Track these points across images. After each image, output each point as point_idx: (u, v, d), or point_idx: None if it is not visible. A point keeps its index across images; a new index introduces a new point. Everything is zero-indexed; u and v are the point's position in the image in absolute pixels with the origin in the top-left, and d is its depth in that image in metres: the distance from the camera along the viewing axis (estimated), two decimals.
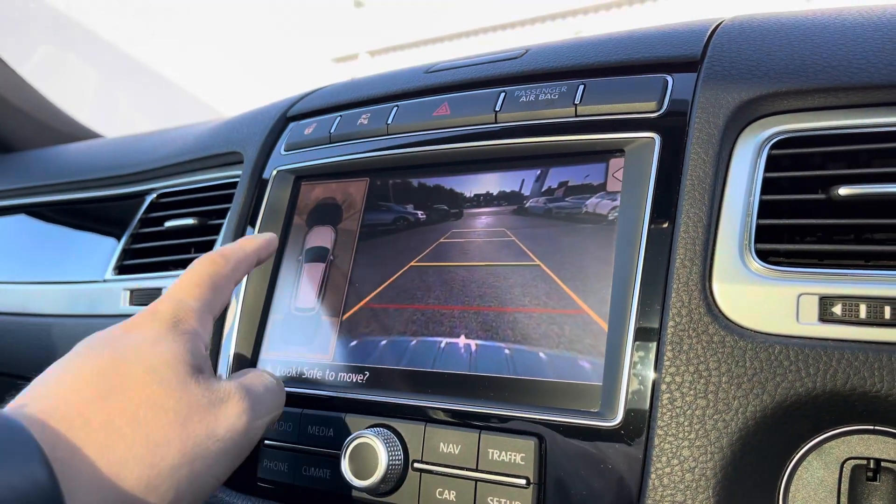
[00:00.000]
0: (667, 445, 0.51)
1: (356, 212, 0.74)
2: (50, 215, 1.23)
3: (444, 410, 0.59)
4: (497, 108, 0.68)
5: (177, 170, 1.00)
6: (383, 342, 0.66)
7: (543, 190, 0.64)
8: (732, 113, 0.58)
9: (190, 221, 0.91)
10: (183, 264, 0.91)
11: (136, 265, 0.97)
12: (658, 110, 0.60)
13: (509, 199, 0.66)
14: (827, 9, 0.66)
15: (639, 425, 0.52)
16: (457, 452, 0.57)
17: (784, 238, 0.57)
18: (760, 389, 0.50)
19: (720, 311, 0.53)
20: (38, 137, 1.53)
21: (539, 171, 0.65)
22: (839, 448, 0.51)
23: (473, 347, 0.61)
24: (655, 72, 0.64)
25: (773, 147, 0.57)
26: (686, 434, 0.51)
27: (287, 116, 0.87)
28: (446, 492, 0.57)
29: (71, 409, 0.45)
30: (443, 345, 0.63)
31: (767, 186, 0.56)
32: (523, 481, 0.54)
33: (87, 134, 1.61)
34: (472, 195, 0.68)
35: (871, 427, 0.50)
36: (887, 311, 0.49)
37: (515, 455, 0.55)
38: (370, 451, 0.58)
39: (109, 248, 1.02)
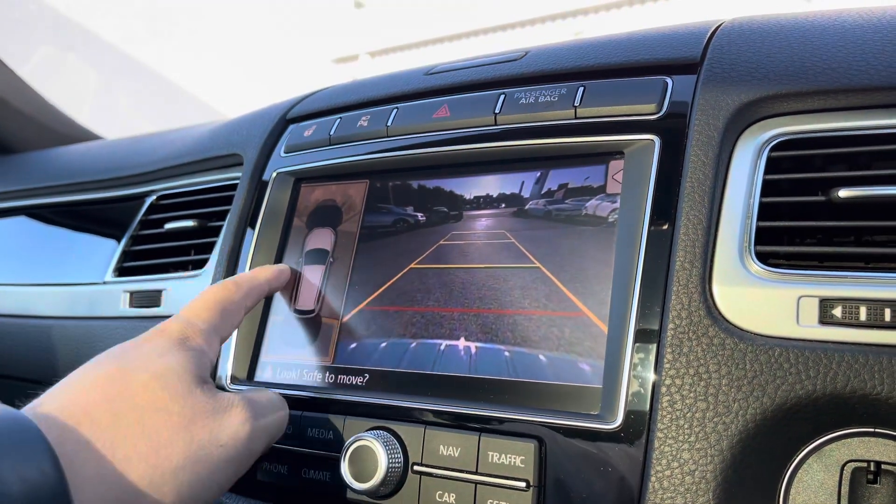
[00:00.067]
0: (667, 448, 0.51)
1: (356, 214, 0.74)
2: (50, 217, 1.23)
3: (443, 413, 0.59)
4: (497, 110, 0.67)
5: (177, 172, 1.00)
6: (383, 344, 0.66)
7: (543, 192, 0.64)
8: (732, 115, 0.58)
9: (190, 223, 0.91)
10: (183, 266, 0.91)
11: (135, 267, 0.97)
12: (658, 112, 0.60)
13: (509, 201, 0.66)
14: (827, 10, 0.66)
15: (639, 428, 0.52)
16: (456, 455, 0.57)
17: (784, 240, 0.57)
18: (760, 392, 0.50)
19: (720, 313, 0.53)
20: (37, 139, 1.53)
21: (539, 174, 0.65)
22: (839, 451, 0.51)
23: (473, 350, 0.61)
24: (655, 74, 0.64)
25: (773, 149, 0.57)
26: (686, 437, 0.51)
27: (287, 118, 0.87)
28: (446, 494, 0.57)
29: (79, 409, 0.47)
30: (443, 347, 0.63)
31: (767, 188, 0.56)
32: (523, 484, 0.54)
33: (87, 135, 1.61)
34: (472, 197, 0.68)
35: (872, 429, 0.50)
36: (887, 313, 0.49)
37: (515, 458, 0.55)
38: (370, 453, 0.58)
39: (109, 250, 1.02)
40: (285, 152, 0.82)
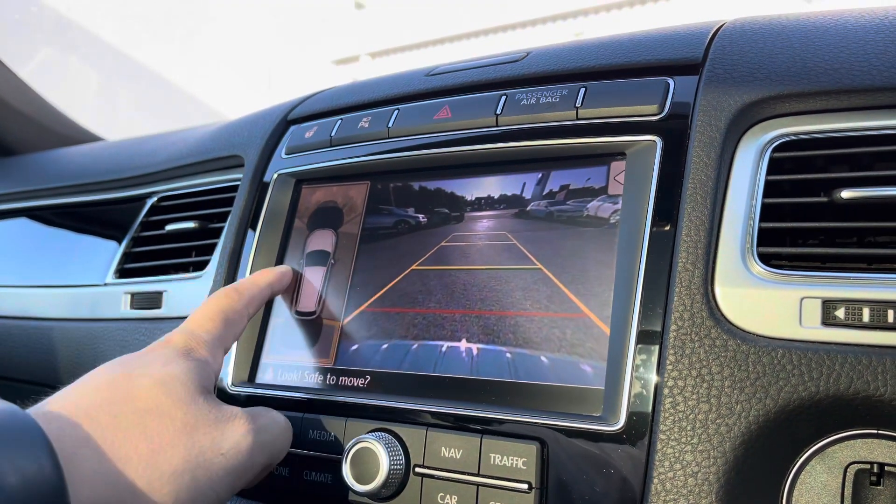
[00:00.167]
0: (669, 450, 0.51)
1: (357, 215, 0.74)
2: (51, 219, 1.23)
3: (445, 414, 0.59)
4: (498, 112, 0.67)
5: (177, 173, 1.00)
6: (384, 346, 0.66)
7: (545, 193, 0.64)
8: (734, 116, 0.58)
9: (191, 225, 0.91)
10: (184, 268, 0.91)
11: (137, 269, 0.97)
12: (659, 113, 0.60)
13: (510, 202, 0.66)
14: (828, 11, 0.65)
15: (641, 429, 0.52)
16: (458, 457, 0.57)
17: (786, 241, 0.56)
18: (763, 394, 0.50)
19: (722, 314, 0.53)
20: (38, 140, 1.54)
21: (540, 175, 0.65)
22: (842, 452, 0.51)
23: (475, 351, 0.61)
24: (657, 75, 0.63)
25: (775, 150, 0.57)
26: (689, 438, 0.51)
27: (288, 120, 0.87)
28: (448, 496, 0.57)
29: (80, 410, 0.48)
30: (444, 349, 0.63)
31: (769, 189, 0.56)
32: (525, 486, 0.54)
33: (88, 137, 1.61)
34: (474, 198, 0.68)
35: (875, 431, 0.50)
36: (890, 314, 0.48)
37: (517, 459, 0.55)
38: (371, 455, 0.58)
39: (110, 252, 1.02)
40: (286, 154, 0.82)
